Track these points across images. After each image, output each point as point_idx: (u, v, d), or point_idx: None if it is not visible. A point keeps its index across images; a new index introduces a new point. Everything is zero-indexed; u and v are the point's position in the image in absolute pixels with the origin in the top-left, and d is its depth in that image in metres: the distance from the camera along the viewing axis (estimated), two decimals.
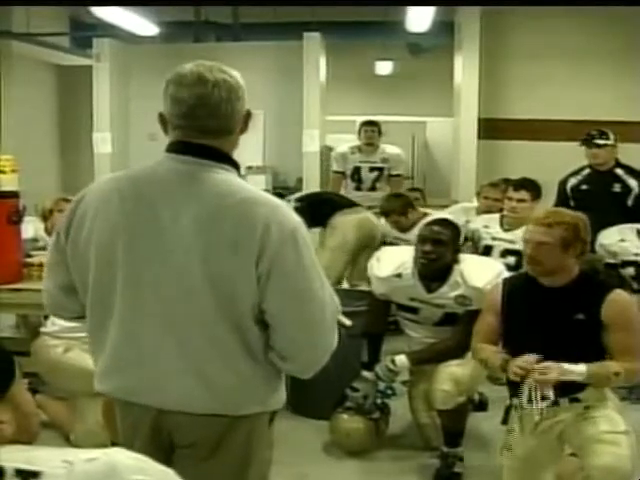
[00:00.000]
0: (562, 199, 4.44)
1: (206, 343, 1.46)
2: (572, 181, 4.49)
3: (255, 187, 1.54)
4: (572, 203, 4.27)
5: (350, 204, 4.91)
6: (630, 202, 4.31)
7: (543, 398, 2.26)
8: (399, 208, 4.53)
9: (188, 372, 1.47)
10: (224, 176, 1.49)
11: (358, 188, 5.53)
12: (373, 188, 5.53)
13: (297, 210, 1.56)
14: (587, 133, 4.43)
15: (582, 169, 4.50)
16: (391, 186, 5.58)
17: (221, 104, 1.48)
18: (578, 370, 2.28)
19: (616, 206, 4.26)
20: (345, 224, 4.71)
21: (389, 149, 5.64)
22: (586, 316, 2.35)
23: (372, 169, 5.54)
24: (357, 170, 5.52)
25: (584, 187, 4.43)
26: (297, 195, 5.09)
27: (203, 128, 1.49)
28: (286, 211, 1.50)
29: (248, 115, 1.55)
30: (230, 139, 1.53)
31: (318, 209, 4.75)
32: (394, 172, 5.56)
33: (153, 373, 1.49)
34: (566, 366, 2.27)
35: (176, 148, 1.51)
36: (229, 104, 1.49)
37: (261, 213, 1.44)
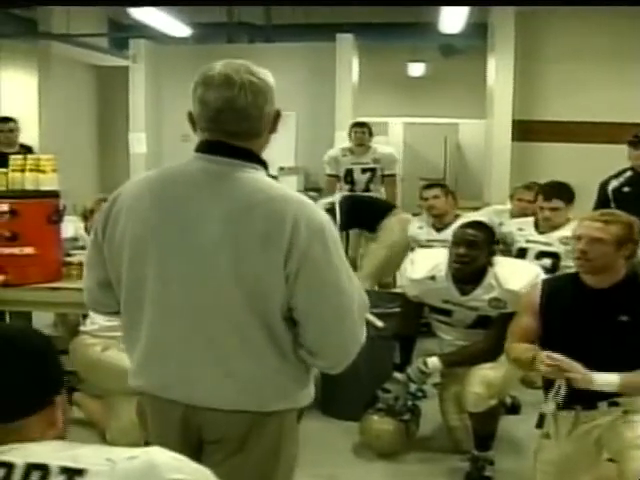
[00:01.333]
0: (602, 201, 4.37)
1: (234, 339, 1.48)
2: (614, 183, 4.43)
3: (283, 185, 1.56)
4: (613, 205, 4.19)
5: (393, 205, 5.11)
6: None
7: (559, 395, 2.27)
8: (441, 187, 4.51)
9: (216, 368, 1.49)
10: (253, 175, 1.50)
11: (351, 190, 5.50)
12: (367, 189, 5.51)
13: (329, 211, 1.58)
14: (634, 135, 4.35)
15: (624, 171, 4.43)
16: (385, 186, 5.58)
17: (247, 108, 1.48)
18: (609, 381, 2.27)
19: None
20: (400, 222, 4.81)
21: (380, 149, 5.64)
22: (630, 318, 2.33)
23: (364, 170, 5.53)
24: (349, 172, 5.51)
25: (626, 189, 4.36)
26: (334, 198, 5.12)
27: (230, 131, 1.50)
28: (314, 208, 1.50)
29: (277, 115, 1.55)
30: (259, 140, 1.54)
31: (369, 212, 4.91)
32: (387, 172, 5.55)
33: (182, 369, 1.52)
34: (596, 376, 2.26)
35: (205, 148, 1.53)
36: (255, 107, 1.49)
37: (289, 210, 1.45)
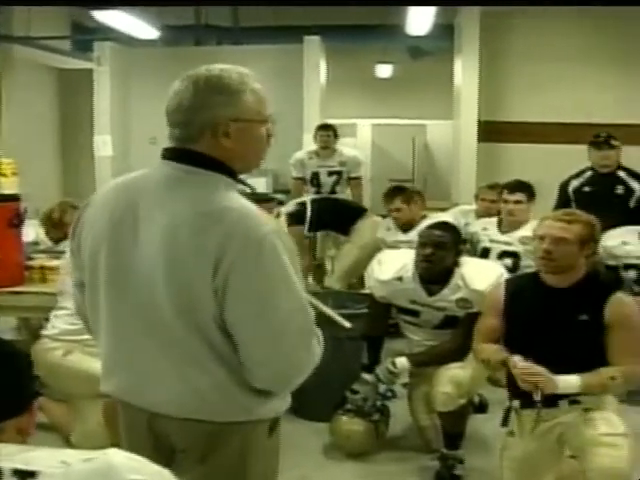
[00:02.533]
0: (563, 201, 4.45)
1: (179, 349, 1.45)
2: (574, 183, 4.50)
3: (232, 195, 1.46)
4: (574, 205, 4.27)
5: (365, 208, 5.18)
6: (632, 204, 4.31)
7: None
8: (404, 196, 4.52)
9: (172, 376, 1.46)
10: (203, 183, 1.45)
11: (318, 192, 5.50)
12: (333, 192, 5.52)
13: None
14: (595, 135, 4.43)
15: (584, 171, 4.50)
16: (351, 188, 5.60)
17: (191, 99, 1.45)
18: (571, 384, 2.30)
19: (618, 208, 4.26)
20: (372, 225, 4.85)
21: (346, 151, 5.65)
22: (590, 317, 2.36)
23: (330, 173, 5.53)
24: (316, 175, 5.51)
25: (587, 189, 4.43)
26: (306, 198, 5.12)
27: (176, 131, 1.48)
28: (255, 220, 1.41)
29: (252, 126, 1.49)
30: (216, 144, 1.46)
31: (340, 214, 4.93)
32: (353, 175, 5.57)
33: (142, 375, 1.50)
34: (559, 380, 2.30)
35: (164, 154, 1.51)
36: (202, 103, 1.45)
37: (225, 221, 1.39)
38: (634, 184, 4.33)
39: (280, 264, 1.40)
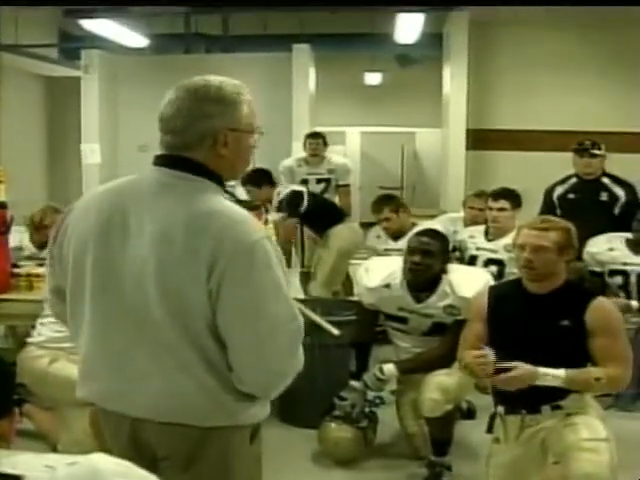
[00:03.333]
0: (548, 207, 4.48)
1: (167, 353, 1.45)
2: (559, 190, 4.53)
3: (222, 200, 1.48)
4: (559, 212, 4.30)
5: (347, 215, 5.15)
6: (617, 211, 4.34)
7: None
8: (392, 205, 4.53)
9: (154, 380, 1.46)
10: (194, 189, 1.47)
11: None
12: None
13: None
14: (579, 143, 4.46)
15: (568, 178, 4.53)
16: (340, 196, 5.60)
17: (181, 117, 1.48)
18: (555, 373, 2.31)
19: (603, 214, 4.30)
20: (349, 230, 4.86)
21: (335, 159, 5.69)
22: (571, 322, 2.38)
23: (319, 180, 5.55)
24: (305, 182, 5.49)
25: (571, 196, 4.46)
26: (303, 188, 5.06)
27: (170, 138, 1.50)
28: (248, 226, 1.44)
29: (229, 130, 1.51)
30: (208, 153, 1.49)
31: (326, 215, 4.88)
32: (342, 182, 5.59)
33: (122, 380, 1.50)
34: (542, 370, 2.30)
35: (154, 159, 1.53)
36: (187, 118, 1.48)
37: (216, 227, 1.41)
38: (618, 191, 4.37)
39: (271, 270, 1.42)
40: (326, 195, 5.53)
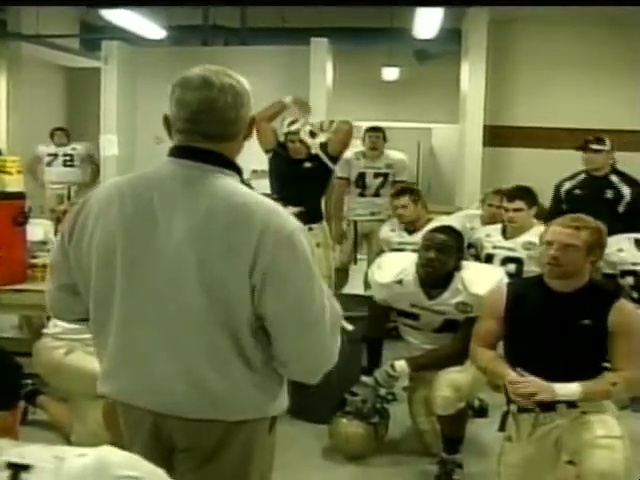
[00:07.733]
0: (556, 202, 4.46)
1: (201, 349, 1.45)
2: (566, 185, 4.51)
3: (254, 192, 1.52)
4: (565, 207, 4.27)
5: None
6: (621, 209, 4.30)
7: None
8: (413, 195, 4.42)
9: (183, 377, 1.46)
10: (223, 181, 1.48)
11: (362, 194, 5.49)
12: (377, 194, 5.49)
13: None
14: (584, 139, 4.44)
15: (578, 174, 4.51)
16: None
17: (226, 109, 1.48)
18: (570, 391, 2.31)
19: (607, 212, 4.20)
20: (322, 229, 4.68)
21: (393, 154, 5.61)
22: (592, 322, 2.37)
23: (377, 175, 5.50)
24: (362, 176, 5.47)
25: (577, 192, 4.44)
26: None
27: (206, 133, 1.48)
28: (283, 215, 1.47)
29: (253, 121, 1.55)
30: (233, 144, 1.53)
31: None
32: (398, 178, 5.51)
33: (149, 377, 1.49)
34: (558, 386, 2.30)
35: (178, 152, 1.52)
36: (234, 109, 1.49)
37: (256, 218, 1.43)
38: (624, 189, 4.32)
39: (308, 258, 1.46)
40: (382, 190, 5.43)
